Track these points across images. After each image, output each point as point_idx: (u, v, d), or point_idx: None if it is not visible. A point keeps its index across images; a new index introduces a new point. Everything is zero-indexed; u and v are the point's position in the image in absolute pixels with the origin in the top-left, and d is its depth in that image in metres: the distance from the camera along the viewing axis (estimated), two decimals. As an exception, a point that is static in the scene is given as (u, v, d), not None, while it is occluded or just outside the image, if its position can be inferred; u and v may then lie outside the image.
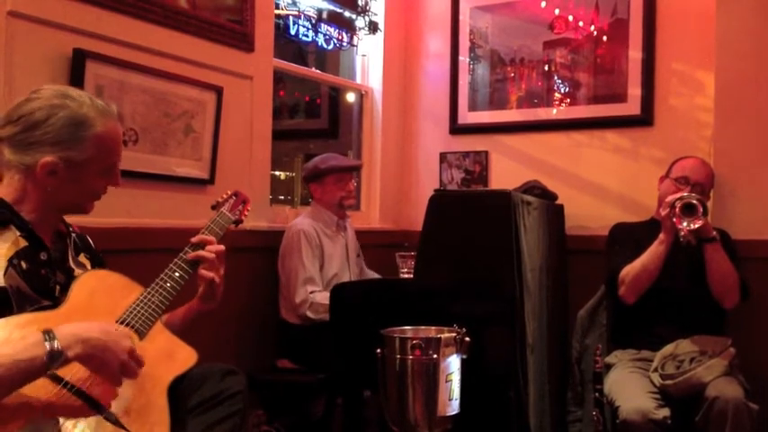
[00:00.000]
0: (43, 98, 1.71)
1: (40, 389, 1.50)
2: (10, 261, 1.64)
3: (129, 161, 2.64)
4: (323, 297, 3.09)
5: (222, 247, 1.99)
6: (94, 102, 1.76)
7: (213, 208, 2.15)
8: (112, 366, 1.53)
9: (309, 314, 3.10)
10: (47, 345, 1.44)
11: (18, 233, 1.68)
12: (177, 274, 1.89)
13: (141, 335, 1.75)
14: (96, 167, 1.76)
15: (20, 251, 1.67)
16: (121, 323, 1.74)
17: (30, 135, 1.69)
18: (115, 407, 1.58)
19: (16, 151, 1.70)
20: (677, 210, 2.75)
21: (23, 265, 1.66)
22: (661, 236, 2.82)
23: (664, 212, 2.80)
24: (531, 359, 2.90)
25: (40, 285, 1.69)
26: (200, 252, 1.95)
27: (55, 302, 1.71)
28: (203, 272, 1.95)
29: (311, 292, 3.12)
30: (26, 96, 1.74)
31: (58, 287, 1.74)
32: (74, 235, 1.90)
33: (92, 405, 1.54)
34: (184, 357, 1.82)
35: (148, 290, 1.84)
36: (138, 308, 1.78)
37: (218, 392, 1.80)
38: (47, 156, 1.68)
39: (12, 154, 1.71)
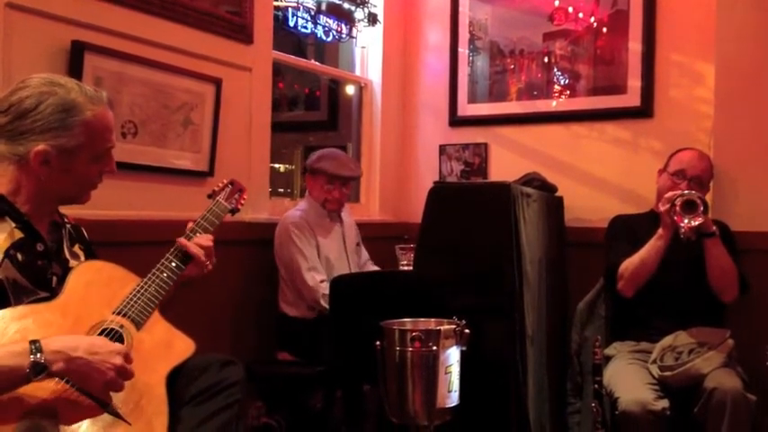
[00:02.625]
0: (32, 86, 1.71)
1: (38, 385, 1.50)
2: (6, 253, 1.64)
3: (128, 153, 2.65)
4: None
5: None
6: (83, 88, 1.76)
7: (209, 197, 2.15)
8: (96, 384, 1.53)
9: (324, 303, 3.07)
10: (31, 357, 1.45)
11: (13, 225, 1.69)
12: (173, 264, 1.90)
13: (138, 325, 1.75)
14: (88, 154, 1.75)
15: (16, 243, 1.67)
16: (118, 314, 1.74)
17: (20, 124, 1.68)
18: (113, 397, 1.58)
19: (8, 142, 1.70)
20: (677, 207, 2.74)
21: (19, 256, 1.66)
22: (660, 231, 2.82)
23: (663, 208, 2.79)
24: (530, 351, 2.90)
25: (37, 277, 1.69)
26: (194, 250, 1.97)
27: (52, 294, 1.71)
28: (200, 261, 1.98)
29: (321, 281, 3.12)
30: (15, 86, 1.73)
31: (54, 278, 1.75)
32: (68, 226, 1.91)
33: (92, 399, 1.54)
34: (182, 347, 1.82)
35: (145, 280, 1.84)
36: (135, 298, 1.78)
37: (216, 383, 1.80)
38: (39, 144, 1.68)
39: (4, 145, 1.70)
